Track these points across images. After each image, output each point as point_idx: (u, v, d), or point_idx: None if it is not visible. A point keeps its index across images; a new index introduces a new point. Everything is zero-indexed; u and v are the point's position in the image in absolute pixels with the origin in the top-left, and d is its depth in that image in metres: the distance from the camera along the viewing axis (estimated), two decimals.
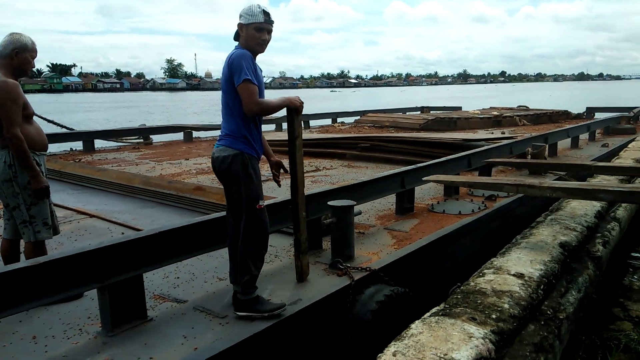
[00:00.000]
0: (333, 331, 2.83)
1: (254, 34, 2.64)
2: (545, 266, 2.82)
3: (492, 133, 11.54)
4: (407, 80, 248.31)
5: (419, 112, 19.09)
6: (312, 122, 15.74)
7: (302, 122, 2.68)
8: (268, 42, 2.73)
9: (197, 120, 28.82)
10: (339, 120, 17.09)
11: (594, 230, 3.75)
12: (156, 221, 4.54)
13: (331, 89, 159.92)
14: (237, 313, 2.60)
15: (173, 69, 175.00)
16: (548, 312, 2.59)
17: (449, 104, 22.07)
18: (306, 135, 12.16)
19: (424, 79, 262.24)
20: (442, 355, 1.84)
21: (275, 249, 3.68)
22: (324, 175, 7.17)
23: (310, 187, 6.26)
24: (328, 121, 16.74)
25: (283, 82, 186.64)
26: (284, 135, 11.39)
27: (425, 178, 4.37)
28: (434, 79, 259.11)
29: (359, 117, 16.45)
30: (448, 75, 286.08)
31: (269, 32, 2.70)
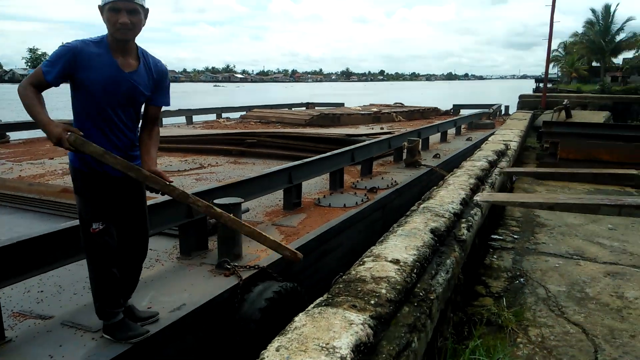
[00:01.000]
0: (221, 333, 2.74)
1: (110, 16, 2.22)
2: (418, 251, 3.02)
3: (372, 128, 12.15)
4: (294, 76, 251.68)
5: (304, 108, 19.44)
6: (196, 118, 15.21)
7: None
8: (135, 26, 2.27)
9: (66, 115, 26.23)
10: (224, 115, 16.75)
11: (460, 216, 4.10)
12: (14, 229, 4.02)
13: (215, 84, 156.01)
14: (103, 334, 2.37)
15: (36, 59, 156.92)
16: (420, 293, 2.77)
17: (333, 101, 22.83)
18: (189, 131, 11.70)
19: (309, 75, 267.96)
20: (324, 345, 1.87)
21: (156, 252, 3.47)
22: (209, 173, 6.96)
23: (195, 185, 6.03)
24: (212, 116, 16.29)
25: None
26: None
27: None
28: (319, 76, 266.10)
29: (244, 113, 16.27)
30: (332, 73, 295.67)
31: (131, 11, 2.23)
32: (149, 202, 2.75)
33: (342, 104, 20.40)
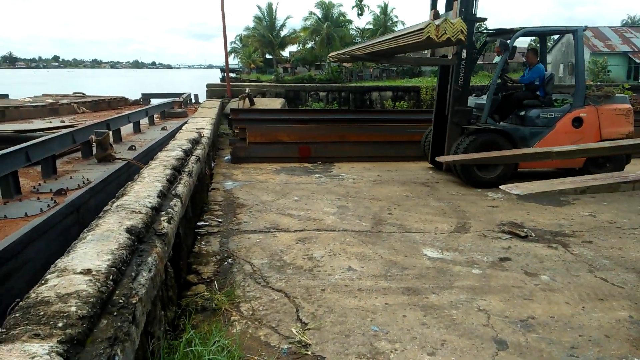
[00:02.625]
0: None
1: None
2: (113, 255, 2.76)
3: (51, 122, 10.60)
4: None
5: None
6: None
7: None
8: None
9: None
10: None
11: (159, 210, 3.97)
12: None
13: None
14: None
15: None
16: (120, 300, 2.55)
17: None
18: None
19: None
20: None
21: None
22: None
23: None
24: None
25: None
26: None
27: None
28: None
29: None
30: None
31: None
32: None
33: (6, 96, 17.00)
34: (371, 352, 2.65)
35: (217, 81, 30.15)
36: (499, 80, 6.99)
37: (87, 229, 3.36)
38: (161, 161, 5.27)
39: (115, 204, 3.79)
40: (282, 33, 58.38)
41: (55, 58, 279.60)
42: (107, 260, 2.62)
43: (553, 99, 7.23)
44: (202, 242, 4.64)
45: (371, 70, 45.98)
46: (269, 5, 57.77)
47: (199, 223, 5.56)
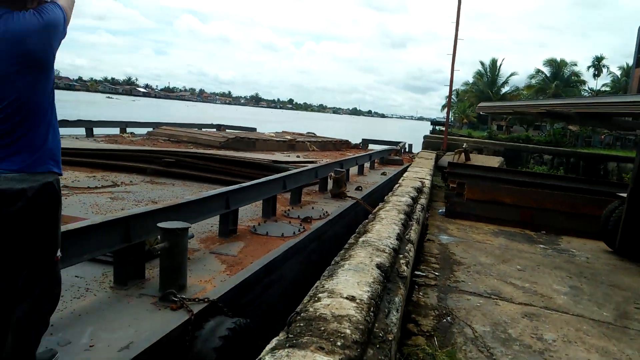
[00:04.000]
0: None
1: None
2: (370, 287, 3.02)
3: (289, 156, 12.20)
4: (201, 96, 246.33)
5: (214, 130, 18.98)
6: (97, 131, 14.08)
7: None
8: None
9: None
10: (129, 130, 15.75)
11: (398, 252, 4.20)
12: None
13: (107, 95, 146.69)
14: None
15: None
16: (380, 334, 2.75)
17: (242, 124, 22.64)
18: (93, 144, 10.83)
19: (217, 97, 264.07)
20: None
21: (84, 280, 3.09)
22: (125, 192, 6.46)
23: (111, 205, 5.54)
24: (115, 130, 15.24)
25: (57, 81, 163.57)
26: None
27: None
28: (227, 98, 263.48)
29: (152, 129, 15.44)
30: (241, 97, 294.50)
31: None
32: (77, 225, 2.44)
33: (255, 129, 20.30)
34: None
35: (427, 132, 30.71)
36: None
37: (340, 257, 3.77)
38: (394, 205, 5.62)
39: (361, 239, 4.18)
40: (503, 90, 56.48)
41: (290, 101, 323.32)
42: (367, 291, 2.91)
43: None
44: (420, 293, 4.71)
45: (602, 137, 40.86)
46: (493, 61, 56.76)
47: (416, 272, 5.68)
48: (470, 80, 57.38)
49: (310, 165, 6.91)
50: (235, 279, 3.30)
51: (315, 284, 3.05)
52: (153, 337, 2.36)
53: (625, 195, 6.66)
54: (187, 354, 2.51)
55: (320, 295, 3.04)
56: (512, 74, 58.49)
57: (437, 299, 4.58)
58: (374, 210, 5.39)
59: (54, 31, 1.91)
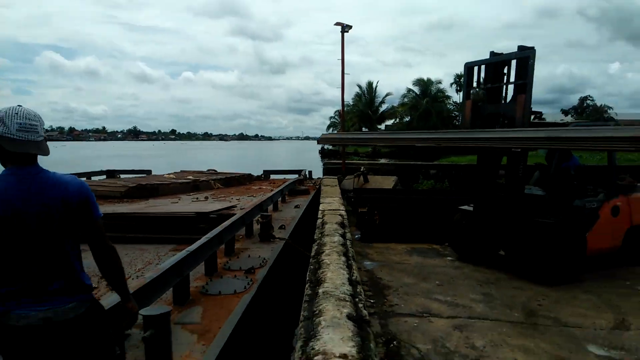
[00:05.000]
0: None
1: None
2: (352, 342, 3.27)
3: (197, 198, 12.08)
4: (72, 134, 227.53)
5: (104, 177, 17.84)
6: None
7: None
8: None
9: None
10: None
11: (354, 296, 4.57)
12: None
13: None
14: None
15: None
16: None
17: (122, 162, 21.56)
18: None
19: (90, 133, 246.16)
20: None
21: None
22: None
23: None
24: None
25: None
26: None
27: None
28: (102, 134, 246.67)
29: None
30: (118, 131, 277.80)
31: None
32: None
33: (150, 171, 19.46)
34: None
35: (315, 152, 31.78)
36: None
37: (309, 313, 4.04)
38: (332, 248, 6.07)
39: (320, 290, 4.49)
40: (381, 109, 60.75)
41: (173, 131, 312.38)
42: (352, 346, 3.23)
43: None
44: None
45: None
46: (369, 84, 60.91)
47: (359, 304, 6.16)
48: (351, 102, 60.81)
49: (239, 214, 7.10)
50: (215, 349, 3.45)
51: (299, 344, 3.31)
52: None
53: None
54: None
55: (315, 358, 3.25)
56: (387, 94, 63.68)
57: (380, 325, 5.09)
58: (313, 254, 5.74)
59: None
